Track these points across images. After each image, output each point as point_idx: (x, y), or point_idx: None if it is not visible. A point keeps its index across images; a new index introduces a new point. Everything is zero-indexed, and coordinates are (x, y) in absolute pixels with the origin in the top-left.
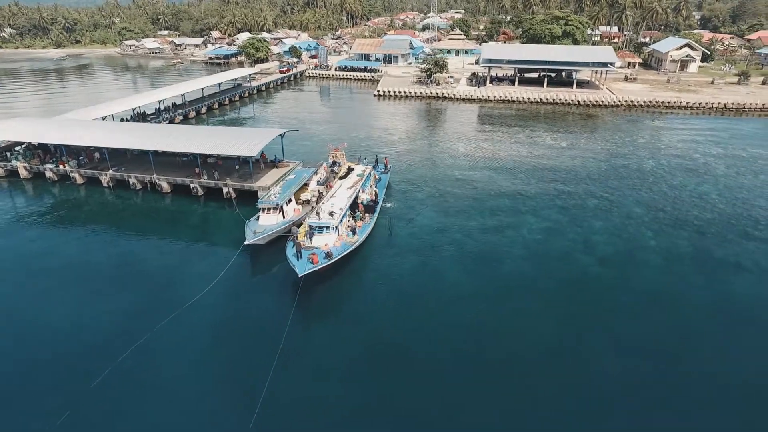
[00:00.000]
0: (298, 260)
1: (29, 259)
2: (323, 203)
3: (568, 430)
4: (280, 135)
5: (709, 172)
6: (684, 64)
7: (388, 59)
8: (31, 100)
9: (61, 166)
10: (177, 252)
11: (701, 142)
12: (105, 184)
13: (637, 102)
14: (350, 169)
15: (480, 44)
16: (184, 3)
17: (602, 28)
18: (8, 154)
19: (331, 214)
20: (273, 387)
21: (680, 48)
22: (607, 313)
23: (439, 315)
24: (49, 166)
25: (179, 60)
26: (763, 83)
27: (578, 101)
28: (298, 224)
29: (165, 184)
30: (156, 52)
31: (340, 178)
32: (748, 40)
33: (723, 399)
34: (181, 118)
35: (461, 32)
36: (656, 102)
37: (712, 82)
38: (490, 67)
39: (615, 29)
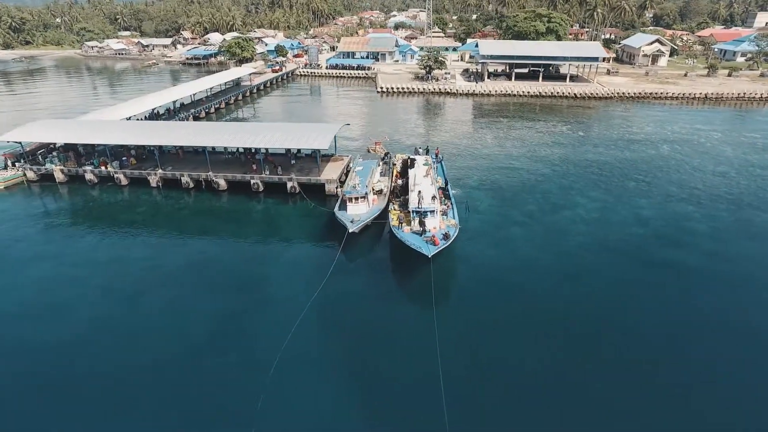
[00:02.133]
0: (422, 243)
1: (104, 266)
2: (412, 191)
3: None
4: None
5: (721, 154)
6: (655, 58)
7: (374, 57)
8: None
9: (102, 168)
10: (262, 247)
11: (700, 128)
12: (154, 184)
13: (628, 94)
14: (412, 160)
15: (457, 41)
16: (141, 2)
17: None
18: (39, 157)
19: (433, 198)
20: (446, 364)
21: (651, 43)
22: (679, 275)
23: (529, 286)
24: (88, 168)
25: (154, 61)
26: (729, 75)
27: (574, 94)
28: (384, 212)
29: (222, 181)
30: (122, 54)
31: (409, 167)
32: (699, 36)
33: None
34: (191, 118)
35: (439, 30)
36: (645, 93)
37: (685, 75)
38: (486, 63)
39: (576, 26)
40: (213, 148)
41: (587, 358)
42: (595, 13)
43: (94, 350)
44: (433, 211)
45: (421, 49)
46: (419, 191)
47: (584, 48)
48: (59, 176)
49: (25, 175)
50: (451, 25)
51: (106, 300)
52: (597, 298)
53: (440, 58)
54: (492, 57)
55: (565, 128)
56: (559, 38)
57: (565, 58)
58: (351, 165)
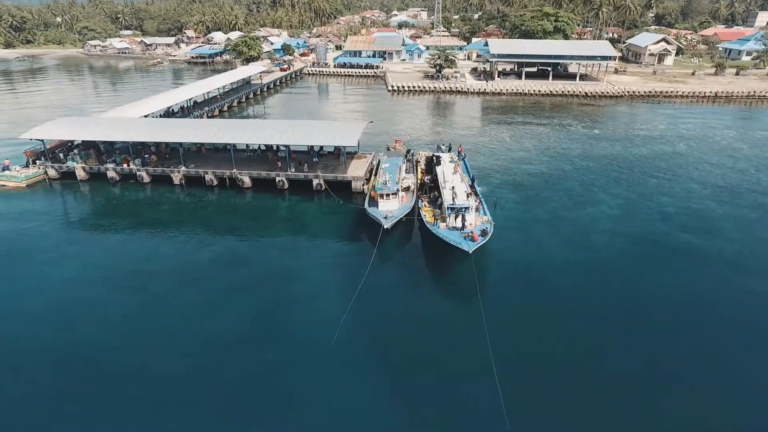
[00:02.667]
0: (461, 239)
1: (134, 265)
2: (444, 188)
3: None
4: None
5: (738, 152)
6: (661, 57)
7: (381, 56)
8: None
9: (125, 165)
10: (295, 244)
11: (714, 126)
12: (177, 182)
13: (638, 92)
14: (437, 157)
15: (461, 40)
16: (142, 2)
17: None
18: (61, 155)
19: (468, 195)
20: (498, 355)
21: (657, 42)
22: (707, 268)
23: (562, 280)
24: (110, 165)
25: (159, 60)
26: (737, 74)
27: (585, 93)
28: (415, 209)
29: (247, 178)
30: (125, 53)
31: (435, 165)
32: (703, 35)
33: None
34: (205, 116)
35: (444, 29)
36: (655, 92)
37: (693, 74)
38: (497, 62)
39: (579, 26)
40: (234, 145)
41: (620, 349)
42: (600, 12)
43: (134, 348)
44: (469, 207)
45: (427, 48)
46: (453, 188)
47: (594, 47)
48: (81, 174)
49: (46, 172)
50: (453, 24)
51: (140, 298)
52: (628, 292)
53: (450, 57)
54: (502, 56)
55: (580, 126)
56: (566, 37)
57: (576, 57)
58: (374, 162)
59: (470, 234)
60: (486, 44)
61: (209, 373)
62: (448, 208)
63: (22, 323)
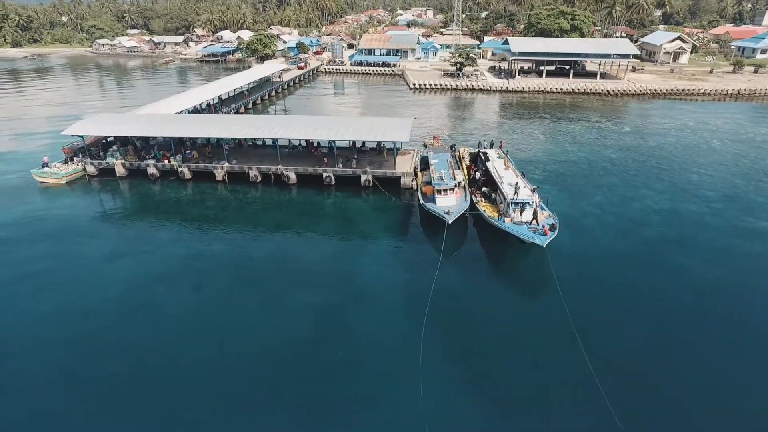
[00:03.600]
0: (531, 233)
1: (187, 263)
2: (503, 184)
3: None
4: None
5: None
6: (676, 55)
7: (395, 54)
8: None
9: (165, 162)
10: (353, 241)
11: (742, 123)
12: (219, 178)
13: (660, 90)
14: (484, 153)
15: (475, 39)
16: (148, 1)
17: None
18: (101, 151)
19: (533, 190)
20: (592, 351)
21: (673, 41)
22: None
23: (625, 275)
24: (151, 161)
25: (171, 59)
26: (755, 72)
27: (607, 91)
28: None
29: (292, 174)
30: (134, 51)
31: (485, 161)
32: (714, 34)
33: None
34: (232, 113)
35: (457, 27)
36: (677, 90)
37: (711, 72)
38: (518, 60)
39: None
40: (274, 141)
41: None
42: (613, 11)
43: (205, 347)
44: (532, 202)
45: (441, 47)
46: (516, 183)
47: (615, 45)
48: (120, 170)
49: (85, 169)
50: (462, 22)
51: (198, 296)
52: (700, 286)
53: (472, 55)
54: (523, 53)
55: (609, 124)
56: (582, 35)
57: (597, 55)
58: (416, 158)
59: (540, 228)
60: (505, 42)
61: (278, 371)
62: (511, 203)
63: (85, 322)
